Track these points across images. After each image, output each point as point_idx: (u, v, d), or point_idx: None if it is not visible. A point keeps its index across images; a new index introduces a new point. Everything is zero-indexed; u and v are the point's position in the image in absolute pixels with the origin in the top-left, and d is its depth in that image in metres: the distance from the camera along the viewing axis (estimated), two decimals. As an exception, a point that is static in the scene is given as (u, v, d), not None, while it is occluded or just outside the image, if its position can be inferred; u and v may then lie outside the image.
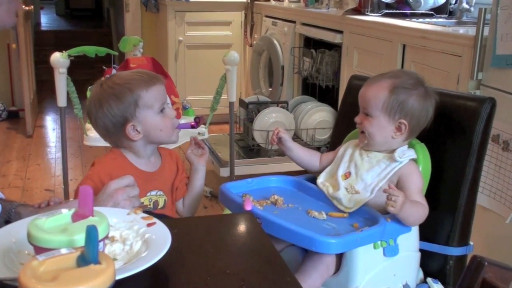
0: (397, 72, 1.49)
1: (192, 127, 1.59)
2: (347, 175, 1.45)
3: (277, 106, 3.36)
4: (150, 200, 1.45)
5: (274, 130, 1.55)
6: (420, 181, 1.39)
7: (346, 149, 1.50)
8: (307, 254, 1.34)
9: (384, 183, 1.38)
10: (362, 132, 1.43)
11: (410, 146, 1.43)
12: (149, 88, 1.40)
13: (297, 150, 1.55)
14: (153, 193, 1.46)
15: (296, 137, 3.33)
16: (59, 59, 2.52)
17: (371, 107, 1.40)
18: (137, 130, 1.41)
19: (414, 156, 1.40)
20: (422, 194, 1.38)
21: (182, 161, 1.60)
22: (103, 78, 1.50)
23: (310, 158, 1.56)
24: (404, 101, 1.38)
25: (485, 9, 2.02)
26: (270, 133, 3.16)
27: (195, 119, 1.60)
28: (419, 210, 1.34)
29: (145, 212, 1.08)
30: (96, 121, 1.43)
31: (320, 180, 1.49)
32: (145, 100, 1.39)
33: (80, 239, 0.77)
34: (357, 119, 1.44)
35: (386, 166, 1.40)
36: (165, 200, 1.48)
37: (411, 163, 1.40)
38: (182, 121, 2.75)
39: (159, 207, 1.47)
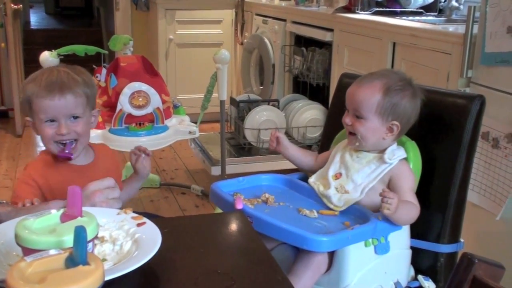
0: (386, 72, 1.47)
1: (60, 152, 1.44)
2: (337, 176, 1.45)
3: (268, 104, 3.36)
4: None
5: (271, 133, 1.60)
6: (412, 181, 1.39)
7: (337, 151, 1.50)
8: (298, 254, 1.34)
9: (374, 184, 1.38)
10: (351, 133, 1.43)
11: (401, 144, 1.43)
12: (38, 98, 1.37)
13: (292, 148, 1.59)
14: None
15: (288, 136, 3.31)
16: (48, 58, 2.50)
17: (363, 109, 1.38)
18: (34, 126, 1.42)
19: (404, 155, 1.40)
20: (414, 194, 1.38)
21: (117, 159, 1.61)
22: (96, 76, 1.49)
23: (305, 156, 1.59)
24: (397, 103, 1.37)
25: (474, 7, 2.02)
26: (262, 132, 3.17)
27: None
28: (411, 211, 1.34)
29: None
30: None
31: (312, 179, 1.49)
32: (33, 105, 1.38)
33: (68, 240, 0.77)
34: (346, 120, 1.42)
35: (376, 167, 1.40)
36: None
37: (402, 163, 1.39)
38: (173, 120, 2.74)
39: None
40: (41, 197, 1.34)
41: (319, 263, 1.32)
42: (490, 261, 0.92)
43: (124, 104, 2.51)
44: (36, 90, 1.36)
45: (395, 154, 1.39)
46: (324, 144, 1.71)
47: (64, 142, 1.39)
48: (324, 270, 1.34)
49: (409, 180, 1.38)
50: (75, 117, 1.39)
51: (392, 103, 1.37)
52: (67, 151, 1.39)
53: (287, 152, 1.58)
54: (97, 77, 2.68)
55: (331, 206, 1.40)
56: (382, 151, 1.41)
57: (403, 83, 1.40)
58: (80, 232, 0.68)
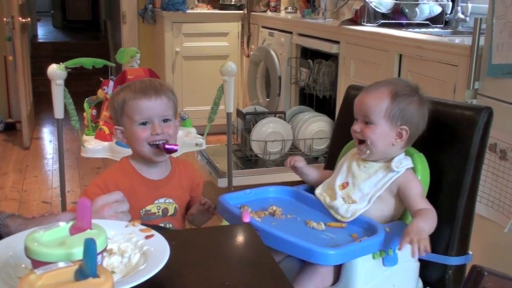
0: (393, 80, 1.49)
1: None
2: (344, 185, 1.45)
3: (275, 116, 3.36)
4: (158, 207, 1.47)
5: (289, 160, 1.57)
6: (420, 187, 1.39)
7: (345, 160, 1.50)
8: (304, 264, 1.33)
9: (381, 193, 1.38)
10: (360, 142, 1.43)
11: (408, 156, 1.43)
12: (134, 99, 1.42)
13: (312, 174, 1.58)
14: (161, 200, 1.47)
15: (294, 148, 3.33)
16: (56, 71, 2.52)
17: (373, 114, 1.39)
18: (123, 134, 1.47)
19: (411, 165, 1.40)
20: (425, 198, 1.38)
21: (199, 176, 1.63)
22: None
23: (320, 177, 1.57)
24: (405, 108, 1.39)
25: (481, 19, 2.03)
26: (268, 144, 3.17)
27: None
28: (433, 217, 1.33)
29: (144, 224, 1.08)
30: None
31: (318, 190, 1.49)
32: (127, 108, 1.43)
33: (78, 252, 0.77)
34: (355, 127, 1.43)
35: (384, 176, 1.40)
36: (175, 207, 1.50)
37: (408, 172, 1.40)
38: (180, 132, 2.74)
39: (169, 214, 1.49)
40: None
41: (323, 275, 1.32)
42: (500, 273, 0.92)
43: (131, 116, 2.51)
44: (131, 93, 1.43)
45: (403, 163, 1.39)
46: (331, 156, 1.71)
47: (157, 143, 1.43)
48: (329, 283, 1.34)
49: (417, 187, 1.38)
50: (166, 120, 1.45)
51: (400, 108, 1.38)
52: (170, 145, 1.44)
53: (306, 178, 1.59)
54: (104, 89, 2.70)
55: (338, 218, 1.39)
56: (389, 161, 1.41)
57: (409, 88, 1.42)
58: (90, 245, 0.68)
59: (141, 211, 1.44)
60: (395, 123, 1.39)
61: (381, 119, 1.39)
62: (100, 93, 2.74)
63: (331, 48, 3.15)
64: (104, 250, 0.85)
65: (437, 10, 3.14)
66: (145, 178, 1.47)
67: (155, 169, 1.49)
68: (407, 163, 1.40)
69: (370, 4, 3.07)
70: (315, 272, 1.31)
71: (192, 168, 1.64)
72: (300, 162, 1.56)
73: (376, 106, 1.39)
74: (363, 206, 1.38)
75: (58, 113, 2.59)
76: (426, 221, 1.31)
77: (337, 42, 3.11)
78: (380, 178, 1.40)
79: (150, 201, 1.46)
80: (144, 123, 1.43)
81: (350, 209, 1.38)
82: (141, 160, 1.48)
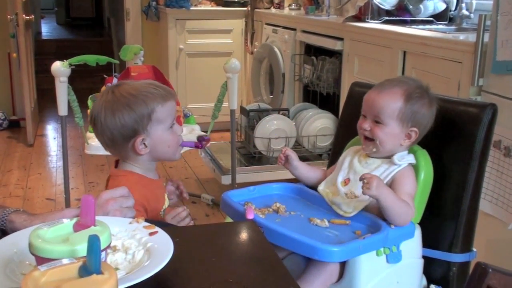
0: (405, 79, 1.47)
1: (197, 147, 1.57)
2: (346, 182, 1.45)
3: (278, 113, 3.36)
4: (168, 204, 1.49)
5: (282, 149, 1.57)
6: (412, 186, 1.37)
7: (346, 156, 1.50)
8: (310, 261, 1.33)
9: None
10: (367, 139, 1.42)
11: (412, 152, 1.43)
12: (164, 104, 1.37)
13: (302, 168, 1.56)
14: (165, 197, 1.48)
15: (298, 144, 3.33)
16: (60, 68, 2.52)
17: (384, 115, 1.38)
18: (144, 144, 1.37)
19: (413, 161, 1.40)
20: (412, 199, 1.36)
21: None
22: (109, 85, 1.50)
23: (315, 175, 1.56)
24: (417, 110, 1.38)
25: (485, 16, 2.02)
26: (272, 141, 3.17)
27: (199, 138, 1.57)
28: (401, 205, 1.31)
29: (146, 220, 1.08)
30: (102, 130, 1.37)
31: (321, 187, 1.49)
32: (158, 114, 1.36)
33: (82, 249, 0.77)
34: (365, 125, 1.41)
35: (385, 170, 1.40)
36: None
37: (408, 168, 1.39)
38: (184, 129, 2.74)
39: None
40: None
41: (330, 272, 1.32)
42: (504, 270, 0.91)
43: (135, 113, 2.52)
44: (159, 98, 1.37)
45: (405, 157, 1.40)
46: (335, 153, 1.71)
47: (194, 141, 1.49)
48: (335, 279, 1.34)
49: (409, 185, 1.37)
50: None
51: (412, 110, 1.38)
52: (198, 141, 1.50)
53: (295, 172, 1.56)
54: (108, 86, 2.70)
55: (341, 213, 1.39)
56: (390, 156, 1.40)
57: (421, 90, 1.41)
58: (93, 241, 0.68)
59: (161, 213, 1.44)
60: (406, 124, 1.38)
61: (393, 120, 1.38)
62: (104, 90, 2.75)
63: (335, 45, 3.14)
64: (108, 246, 0.85)
65: (441, 6, 3.13)
66: (154, 181, 1.45)
67: (154, 171, 1.47)
68: (409, 158, 1.40)
69: (374, 1, 3.07)
70: (323, 269, 1.31)
71: None
72: (291, 152, 1.54)
73: (388, 107, 1.38)
74: (364, 200, 1.38)
75: (62, 110, 2.60)
76: (395, 197, 1.31)
77: (341, 39, 3.11)
78: (382, 172, 1.40)
79: (163, 200, 1.46)
80: (171, 126, 1.41)
81: (352, 204, 1.39)
82: (144, 165, 1.43)
